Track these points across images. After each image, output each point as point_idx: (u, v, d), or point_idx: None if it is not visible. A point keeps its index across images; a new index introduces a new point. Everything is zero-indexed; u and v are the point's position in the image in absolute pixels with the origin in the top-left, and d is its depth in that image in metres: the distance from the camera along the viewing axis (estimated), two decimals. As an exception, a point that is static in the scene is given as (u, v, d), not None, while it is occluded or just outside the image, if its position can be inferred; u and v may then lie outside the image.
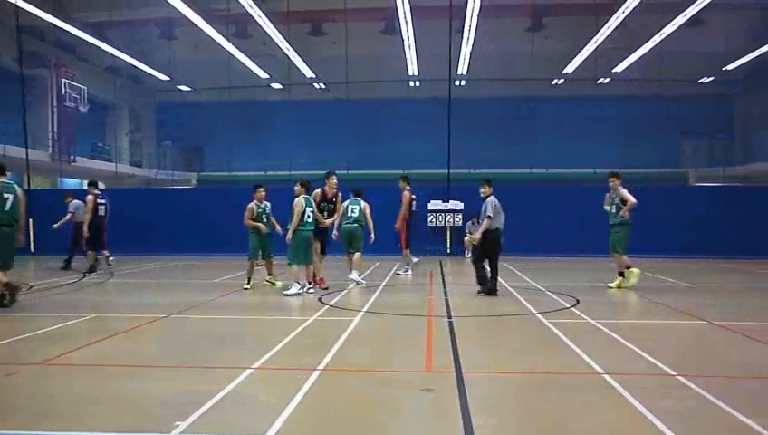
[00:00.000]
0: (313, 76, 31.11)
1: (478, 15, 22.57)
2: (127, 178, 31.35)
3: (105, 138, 32.94)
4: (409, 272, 13.23)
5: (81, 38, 25.86)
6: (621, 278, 11.03)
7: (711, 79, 29.98)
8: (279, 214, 11.18)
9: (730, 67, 28.09)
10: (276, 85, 31.34)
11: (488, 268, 10.04)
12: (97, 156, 30.73)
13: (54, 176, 28.00)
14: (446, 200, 19.12)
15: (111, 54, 26.92)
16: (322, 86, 32.54)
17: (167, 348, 6.60)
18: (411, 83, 31.94)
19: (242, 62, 28.25)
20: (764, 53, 26.26)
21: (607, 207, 11.21)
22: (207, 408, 4.38)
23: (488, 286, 9.95)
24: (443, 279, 12.83)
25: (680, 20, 23.22)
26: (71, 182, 30.23)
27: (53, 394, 4.84)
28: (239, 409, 4.49)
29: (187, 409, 4.31)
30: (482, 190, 10.10)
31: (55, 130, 26.76)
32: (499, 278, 10.25)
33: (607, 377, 5.18)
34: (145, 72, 30.15)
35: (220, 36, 25.42)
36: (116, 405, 4.54)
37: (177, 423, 4.04)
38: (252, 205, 10.92)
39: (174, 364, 5.87)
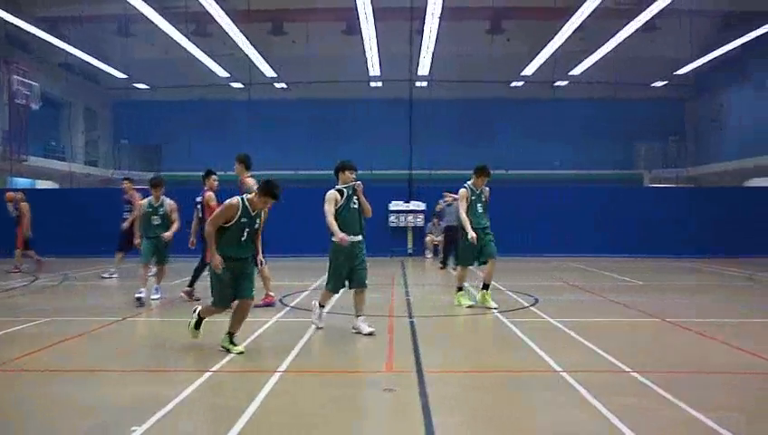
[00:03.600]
0: (274, 76, 30.84)
1: (439, 17, 22.71)
2: (82, 177, 30.55)
3: (59, 136, 32.03)
4: (115, 274, 12.80)
5: (32, 33, 25.07)
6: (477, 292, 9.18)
7: (664, 83, 30.83)
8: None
9: (681, 72, 28.94)
10: (236, 84, 30.99)
11: None
12: (50, 155, 29.87)
13: (5, 175, 27.12)
14: (407, 201, 19.23)
15: (65, 51, 26.19)
16: (284, 86, 32.32)
17: (123, 352, 6.46)
18: (373, 84, 31.97)
19: (201, 61, 27.82)
20: (713, 58, 27.15)
21: (480, 209, 8.88)
22: (165, 412, 4.31)
23: None
24: (404, 279, 12.89)
25: (634, 25, 23.80)
26: (22, 182, 29.28)
27: (2, 402, 4.69)
28: (198, 413, 4.44)
29: (144, 414, 4.23)
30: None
31: (5, 128, 25.91)
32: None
33: (564, 375, 5.28)
34: (100, 69, 29.43)
35: (179, 34, 24.98)
36: (70, 411, 4.42)
37: (134, 429, 3.97)
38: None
39: (130, 368, 5.75)
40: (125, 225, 12.35)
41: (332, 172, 7.40)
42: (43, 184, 30.26)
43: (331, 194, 7.04)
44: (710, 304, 9.82)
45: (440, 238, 18.76)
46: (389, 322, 7.84)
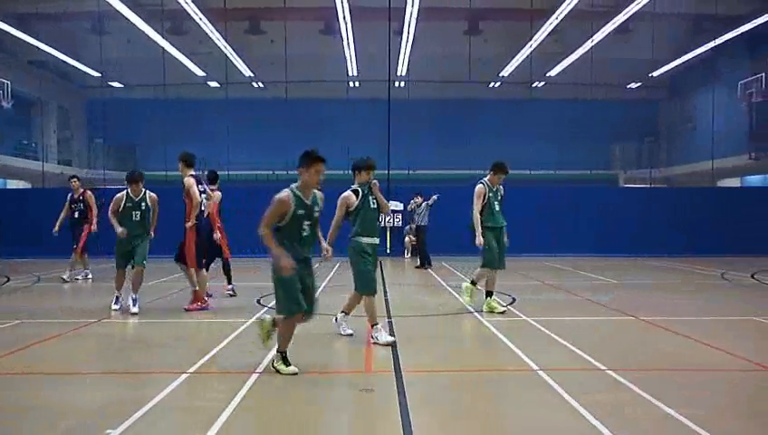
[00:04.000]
0: (251, 75, 30.67)
1: (417, 18, 22.81)
2: (55, 177, 30.04)
3: (31, 135, 31.49)
4: (89, 275, 12.59)
5: (3, 30, 24.58)
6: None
7: (638, 85, 31.30)
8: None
9: (655, 74, 29.41)
10: (213, 83, 30.74)
11: None
12: (22, 154, 29.35)
13: (-25, 175, 26.61)
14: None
15: (38, 48, 25.72)
16: (261, 85, 32.15)
17: (98, 354, 6.37)
18: (351, 84, 31.94)
19: (177, 60, 27.54)
20: (686, 61, 27.66)
21: (497, 207, 8.57)
22: (141, 415, 4.25)
23: None
24: (383, 279, 12.88)
25: (609, 28, 24.15)
26: (-7, 181, 28.76)
27: (-26, 405, 4.59)
28: (174, 415, 4.39)
29: (119, 416, 4.17)
30: None
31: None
32: (439, 278, 10.39)
33: (541, 373, 5.33)
34: (74, 67, 28.99)
35: (154, 32, 24.70)
36: (43, 416, 4.34)
37: (109, 432, 3.91)
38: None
39: (106, 371, 5.68)
40: (93, 227, 12.16)
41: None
42: (14, 184, 29.74)
43: (344, 199, 6.65)
44: (684, 302, 9.97)
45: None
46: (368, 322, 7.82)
